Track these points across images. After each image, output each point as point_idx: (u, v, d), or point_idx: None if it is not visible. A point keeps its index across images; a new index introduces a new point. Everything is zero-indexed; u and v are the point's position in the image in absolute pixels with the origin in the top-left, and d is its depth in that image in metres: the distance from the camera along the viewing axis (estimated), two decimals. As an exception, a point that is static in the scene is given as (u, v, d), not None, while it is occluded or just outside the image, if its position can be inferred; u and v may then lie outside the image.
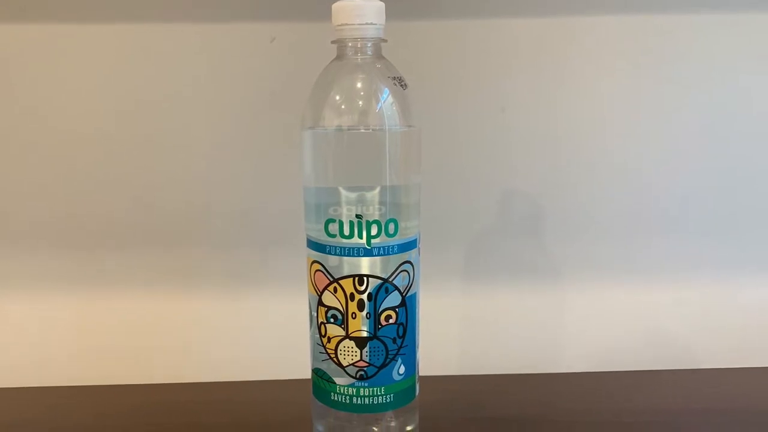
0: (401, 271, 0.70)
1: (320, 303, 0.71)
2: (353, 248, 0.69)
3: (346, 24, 0.68)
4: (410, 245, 0.71)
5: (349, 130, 0.69)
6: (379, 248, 0.69)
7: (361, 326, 0.70)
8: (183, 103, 0.95)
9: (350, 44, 0.69)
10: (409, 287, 0.71)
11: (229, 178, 0.97)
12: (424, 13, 0.94)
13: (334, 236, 0.69)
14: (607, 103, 0.97)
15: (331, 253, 0.69)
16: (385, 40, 0.70)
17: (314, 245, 0.71)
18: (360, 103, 0.70)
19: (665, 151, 0.98)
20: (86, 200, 0.97)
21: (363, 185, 0.69)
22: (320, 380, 0.73)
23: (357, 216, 0.68)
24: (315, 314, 0.72)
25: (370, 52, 0.69)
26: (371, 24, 0.68)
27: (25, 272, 0.98)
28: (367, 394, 0.71)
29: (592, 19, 0.95)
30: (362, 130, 0.69)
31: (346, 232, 0.68)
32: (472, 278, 1.01)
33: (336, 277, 0.70)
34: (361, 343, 0.70)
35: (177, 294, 0.99)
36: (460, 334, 1.02)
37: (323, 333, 0.71)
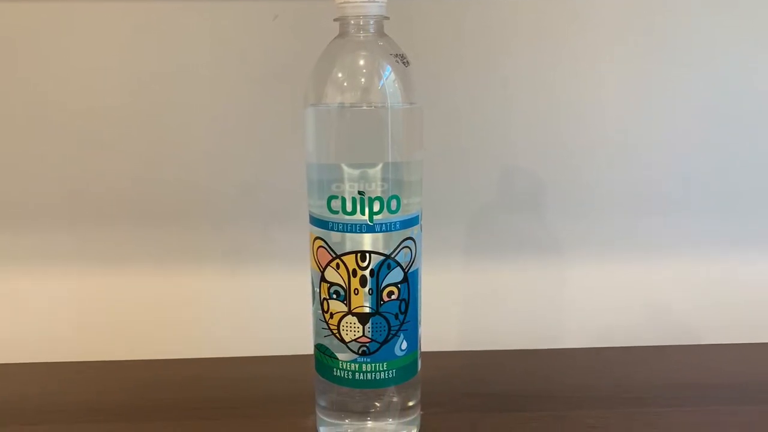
0: (403, 248, 0.70)
1: (323, 279, 0.71)
2: (356, 225, 0.69)
3: (349, 1, 0.68)
4: (412, 222, 0.71)
5: (351, 107, 0.69)
6: (382, 225, 0.69)
7: (363, 302, 0.70)
8: (186, 80, 0.95)
9: (353, 22, 0.69)
10: (411, 263, 0.71)
11: (232, 155, 0.97)
12: (426, -10, 0.94)
13: (336, 213, 0.69)
14: (608, 80, 0.97)
15: (333, 230, 0.70)
16: (387, 18, 0.70)
17: (317, 222, 0.71)
18: (362, 80, 0.70)
19: (666, 127, 0.98)
20: (89, 177, 0.97)
21: (365, 162, 0.69)
22: (323, 356, 0.74)
23: (359, 192, 0.68)
24: (317, 290, 0.72)
25: (372, 30, 0.69)
26: (373, 1, 0.68)
27: (28, 248, 0.99)
28: (369, 369, 0.72)
29: (594, -4, 0.95)
30: (364, 108, 0.69)
31: (349, 208, 0.68)
32: (474, 255, 1.01)
33: (338, 254, 0.70)
34: (363, 318, 0.70)
35: (180, 270, 1.00)
36: (461, 310, 1.03)
37: (326, 309, 0.72)
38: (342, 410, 0.75)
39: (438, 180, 0.94)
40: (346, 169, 0.69)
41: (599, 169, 0.99)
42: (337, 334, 0.72)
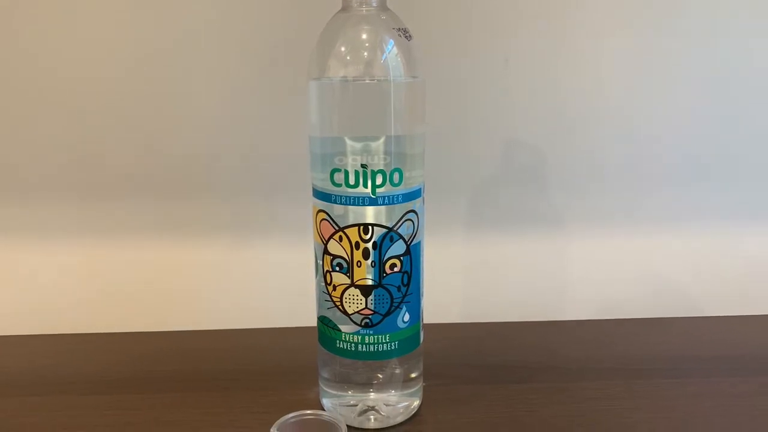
0: (406, 220, 0.71)
1: (326, 251, 0.72)
2: (358, 197, 0.69)
3: (352, -25, 0.68)
4: (415, 194, 0.71)
5: (354, 80, 0.69)
6: (384, 197, 0.69)
7: (366, 274, 0.71)
8: (190, 53, 0.95)
9: (355, -5, 0.69)
10: (413, 236, 0.72)
11: (236, 127, 0.97)
12: (428, -36, 0.94)
13: (339, 186, 0.69)
14: (609, 54, 0.97)
15: (336, 203, 0.70)
16: (389, -8, 0.70)
17: (320, 194, 0.71)
18: (365, 54, 0.69)
19: (666, 101, 0.98)
20: (94, 149, 0.97)
21: (368, 135, 0.69)
22: (326, 328, 0.74)
23: (362, 166, 0.68)
24: (321, 263, 0.73)
25: (375, 4, 0.69)
26: (376, -25, 0.68)
27: (34, 221, 0.99)
28: (372, 341, 0.72)
29: (596, -30, 0.95)
30: (367, 81, 0.69)
31: (352, 181, 0.69)
32: (476, 227, 1.01)
33: (341, 226, 0.70)
34: (366, 291, 0.71)
35: (184, 242, 1.00)
36: (463, 282, 1.03)
37: (329, 281, 0.72)
38: (345, 382, 0.76)
39: (440, 153, 0.93)
40: (348, 142, 0.69)
41: (600, 143, 0.99)
42: (340, 306, 0.72)
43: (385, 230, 0.70)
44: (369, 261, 0.70)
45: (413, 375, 0.78)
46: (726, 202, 1.02)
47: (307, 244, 0.76)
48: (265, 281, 1.02)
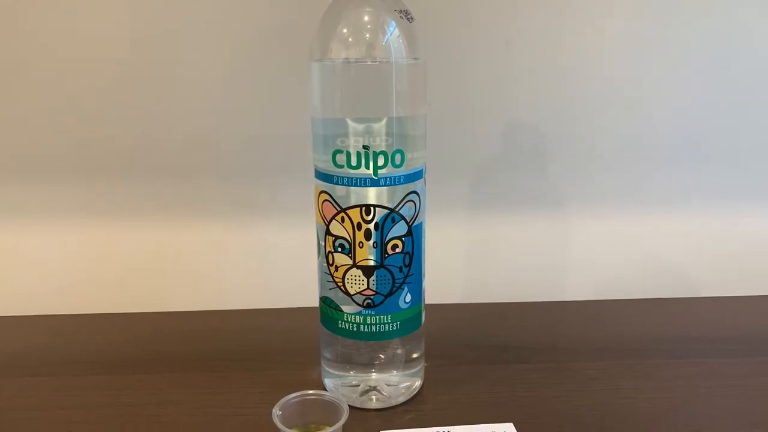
0: (407, 201, 0.71)
1: (328, 232, 0.72)
2: (360, 178, 0.69)
3: (354, -43, 0.68)
4: (416, 176, 0.72)
5: (356, 62, 0.69)
6: (386, 178, 0.69)
7: (368, 255, 0.71)
8: (193, 34, 0.95)
9: (357, -23, 0.69)
10: (415, 217, 0.72)
11: (238, 109, 0.97)
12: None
13: (341, 167, 0.69)
14: (610, 36, 0.97)
15: (338, 184, 0.70)
16: (391, -26, 0.70)
17: (322, 176, 0.71)
18: (367, 35, 0.69)
19: (667, 83, 0.98)
20: (97, 131, 0.97)
21: (370, 116, 0.69)
22: (328, 308, 0.75)
23: (364, 147, 0.68)
24: (323, 243, 0.73)
25: (377, -14, 0.69)
26: (378, -43, 0.68)
27: (37, 202, 0.99)
28: (373, 322, 0.73)
29: (597, -48, 0.95)
30: (369, 63, 0.69)
31: (354, 162, 0.69)
32: (477, 208, 1.02)
33: (343, 207, 0.70)
34: (368, 271, 0.71)
35: (187, 223, 1.00)
36: (465, 263, 1.03)
37: (331, 262, 0.72)
38: (347, 362, 0.76)
39: (442, 134, 0.94)
40: (350, 123, 0.69)
41: (601, 125, 1.00)
42: (342, 287, 0.72)
43: (386, 211, 0.70)
44: (371, 242, 0.70)
45: (415, 355, 0.78)
46: (725, 183, 1.02)
47: (309, 225, 0.76)
48: (267, 262, 1.02)
